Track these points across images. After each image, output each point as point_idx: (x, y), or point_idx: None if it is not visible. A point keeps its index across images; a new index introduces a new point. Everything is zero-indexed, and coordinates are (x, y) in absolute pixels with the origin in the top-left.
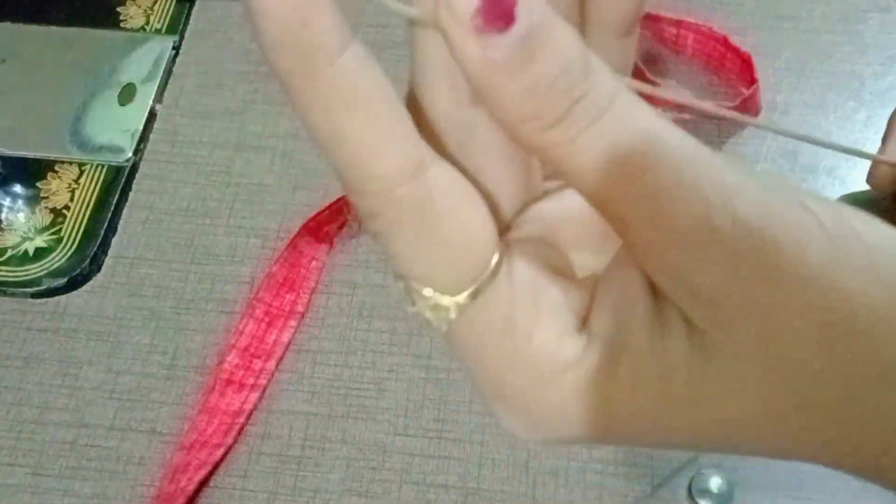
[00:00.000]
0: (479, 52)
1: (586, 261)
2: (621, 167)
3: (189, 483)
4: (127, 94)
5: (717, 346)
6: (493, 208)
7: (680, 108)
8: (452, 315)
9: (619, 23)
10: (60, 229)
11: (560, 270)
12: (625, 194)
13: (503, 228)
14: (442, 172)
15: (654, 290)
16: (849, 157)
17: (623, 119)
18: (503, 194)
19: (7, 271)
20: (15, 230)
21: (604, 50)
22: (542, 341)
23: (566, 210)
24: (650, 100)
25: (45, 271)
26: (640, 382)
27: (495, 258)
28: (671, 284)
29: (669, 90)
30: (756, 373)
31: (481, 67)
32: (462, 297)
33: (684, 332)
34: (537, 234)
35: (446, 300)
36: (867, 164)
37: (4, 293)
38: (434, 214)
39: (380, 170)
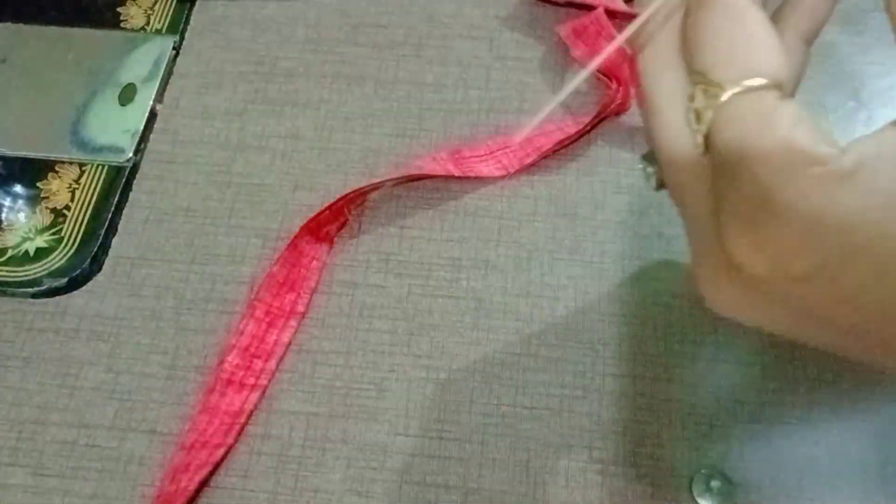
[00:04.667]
0: None
1: None
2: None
3: (189, 483)
4: (127, 94)
5: None
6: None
7: None
8: (720, 100)
9: (810, 34)
10: (61, 229)
11: None
12: None
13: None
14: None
15: None
16: None
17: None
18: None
19: (7, 271)
20: (15, 230)
21: (793, 52)
22: (801, 136)
23: None
24: None
25: (46, 271)
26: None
27: (770, 80)
28: None
29: None
30: None
31: None
32: (737, 88)
33: None
34: None
35: (728, 86)
36: None
37: (4, 293)
38: (749, 20)
39: None
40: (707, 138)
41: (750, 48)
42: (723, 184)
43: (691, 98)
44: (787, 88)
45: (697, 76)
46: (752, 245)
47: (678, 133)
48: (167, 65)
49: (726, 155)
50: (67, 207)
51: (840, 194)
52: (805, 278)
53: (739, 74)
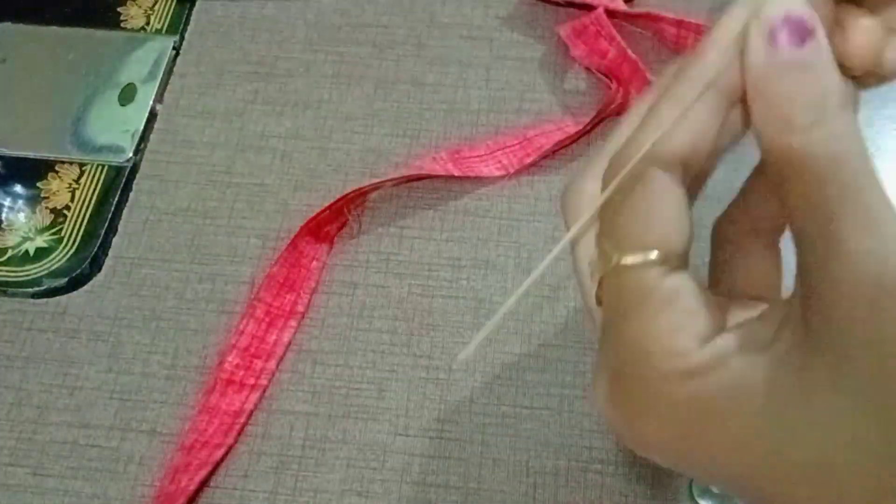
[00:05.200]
0: (764, 53)
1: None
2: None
3: (190, 483)
4: (127, 94)
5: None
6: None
7: None
8: (607, 267)
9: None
10: (61, 229)
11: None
12: (817, 189)
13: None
14: (662, 176)
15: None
16: None
17: (853, 143)
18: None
19: (7, 271)
20: (15, 230)
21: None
22: (663, 323)
23: None
24: None
25: (46, 271)
26: (740, 394)
27: (660, 253)
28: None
29: None
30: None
31: (764, 65)
32: (627, 259)
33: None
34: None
35: (615, 257)
36: None
37: (5, 293)
38: (656, 191)
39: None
40: (597, 295)
41: (648, 221)
42: (601, 335)
43: (592, 257)
44: (681, 260)
45: (599, 239)
46: (610, 399)
47: (583, 280)
48: (167, 65)
49: (604, 315)
50: (67, 207)
51: (689, 387)
52: (657, 444)
53: (628, 246)
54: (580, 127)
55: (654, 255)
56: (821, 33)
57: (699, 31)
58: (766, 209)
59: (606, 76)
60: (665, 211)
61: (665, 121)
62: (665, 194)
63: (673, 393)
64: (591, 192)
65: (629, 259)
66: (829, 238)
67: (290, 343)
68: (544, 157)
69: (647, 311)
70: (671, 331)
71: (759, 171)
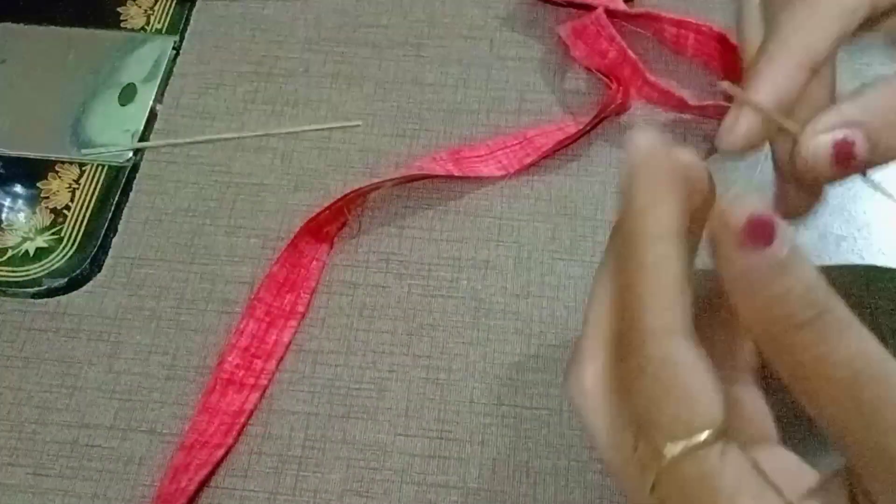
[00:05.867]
0: (740, 260)
1: None
2: (849, 385)
3: (190, 483)
4: (127, 94)
5: None
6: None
7: (681, 107)
8: (664, 462)
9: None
10: (61, 229)
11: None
12: (847, 404)
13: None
14: (688, 351)
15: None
16: None
17: (862, 338)
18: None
19: (7, 271)
20: (15, 230)
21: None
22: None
23: None
24: (653, 100)
25: (46, 271)
26: None
27: (712, 431)
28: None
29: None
30: None
31: (739, 274)
32: (678, 448)
33: None
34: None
35: (667, 448)
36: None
37: (5, 293)
38: (681, 366)
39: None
40: (653, 487)
41: (689, 401)
42: None
43: (634, 448)
44: (727, 427)
45: (638, 428)
46: None
47: (626, 472)
48: (167, 65)
49: None
50: (67, 207)
51: None
52: None
53: (679, 433)
54: (580, 127)
55: (706, 435)
56: (783, 225)
57: (699, 31)
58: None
59: (606, 76)
60: (700, 383)
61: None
62: (693, 365)
63: None
64: (593, 373)
65: (681, 447)
66: (878, 446)
67: (290, 343)
68: (544, 157)
69: (724, 496)
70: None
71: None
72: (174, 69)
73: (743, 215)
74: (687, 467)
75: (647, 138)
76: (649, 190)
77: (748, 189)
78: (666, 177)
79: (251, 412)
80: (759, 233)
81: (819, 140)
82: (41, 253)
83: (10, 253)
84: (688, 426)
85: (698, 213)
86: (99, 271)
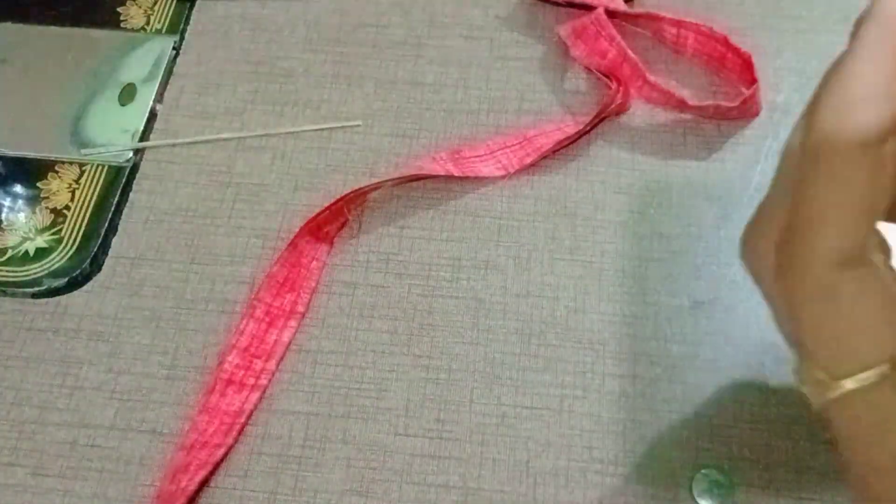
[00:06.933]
0: None
1: None
2: None
3: (190, 483)
4: (127, 94)
5: None
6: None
7: (681, 107)
8: (824, 398)
9: None
10: (61, 229)
11: None
12: None
13: None
14: (859, 282)
15: None
16: None
17: None
18: None
19: (7, 271)
20: (15, 230)
21: None
22: None
23: None
24: (653, 100)
25: (46, 271)
26: None
27: (879, 370)
28: None
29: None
30: None
31: None
32: (847, 384)
33: None
34: None
35: (834, 384)
36: None
37: (5, 293)
38: (847, 302)
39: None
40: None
41: (858, 337)
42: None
43: (810, 371)
44: None
45: (812, 361)
46: None
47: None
48: (167, 65)
49: (842, 437)
50: (67, 207)
51: None
52: None
53: (848, 367)
54: (580, 127)
55: (879, 371)
56: None
57: (699, 31)
58: None
59: (606, 76)
60: (869, 319)
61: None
62: (861, 297)
63: None
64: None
65: (850, 385)
66: None
67: (290, 343)
68: (544, 157)
69: (889, 443)
70: None
71: None
72: (174, 69)
73: None
74: (861, 401)
75: None
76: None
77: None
78: None
79: (251, 412)
80: None
81: None
82: (41, 253)
83: (10, 253)
84: (855, 364)
85: None
86: (99, 271)
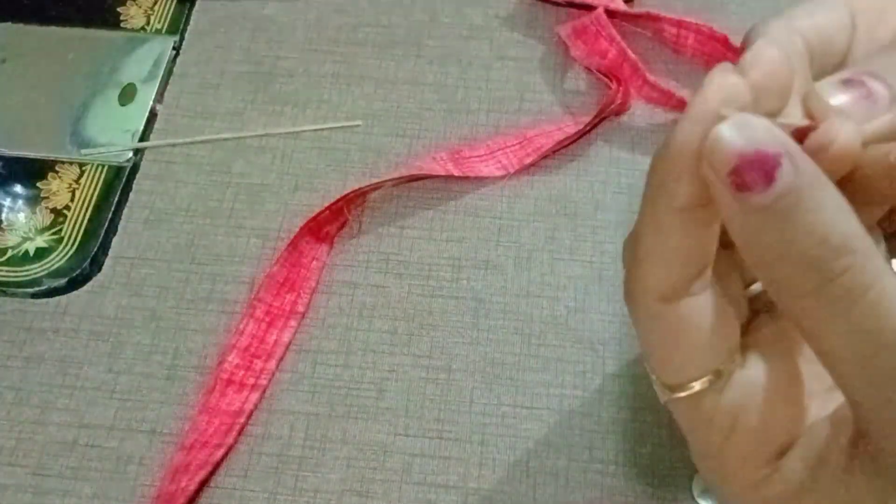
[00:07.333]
0: (734, 206)
1: None
2: (864, 356)
3: (190, 483)
4: (127, 94)
5: None
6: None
7: (681, 107)
8: (664, 399)
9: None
10: (61, 229)
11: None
12: (860, 377)
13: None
14: (700, 301)
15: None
16: None
17: (874, 315)
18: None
19: (7, 271)
20: (15, 230)
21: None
22: (733, 454)
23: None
24: (653, 100)
25: (46, 271)
26: None
27: (703, 380)
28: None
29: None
30: None
31: (737, 221)
32: (677, 394)
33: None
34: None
35: (668, 390)
36: None
37: (4, 293)
38: (671, 318)
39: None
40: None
41: (680, 356)
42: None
43: (653, 377)
44: (732, 364)
45: (652, 371)
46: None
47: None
48: (167, 65)
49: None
50: (67, 207)
51: (765, 492)
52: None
53: (676, 379)
54: (580, 127)
55: (697, 385)
56: (796, 155)
57: (699, 31)
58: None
59: (606, 76)
60: (692, 338)
61: (651, 252)
62: (688, 319)
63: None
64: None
65: (675, 395)
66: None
67: (290, 343)
68: (544, 157)
69: (718, 438)
70: (742, 459)
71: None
72: (174, 69)
73: (734, 147)
74: (685, 406)
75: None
76: (674, 167)
77: None
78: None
79: (251, 412)
80: (753, 171)
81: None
82: (41, 253)
83: (10, 253)
84: (681, 378)
85: None
86: (99, 271)
